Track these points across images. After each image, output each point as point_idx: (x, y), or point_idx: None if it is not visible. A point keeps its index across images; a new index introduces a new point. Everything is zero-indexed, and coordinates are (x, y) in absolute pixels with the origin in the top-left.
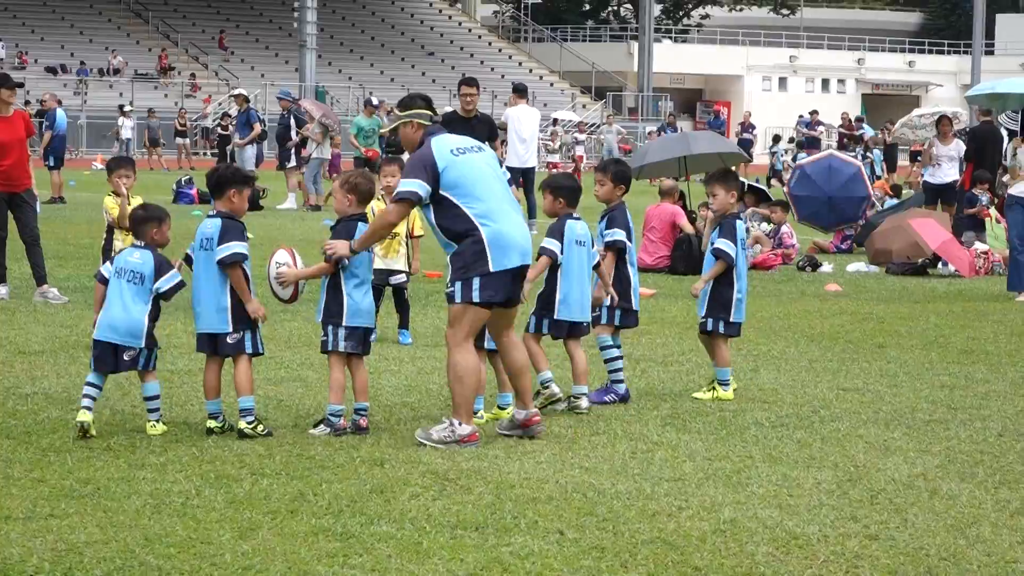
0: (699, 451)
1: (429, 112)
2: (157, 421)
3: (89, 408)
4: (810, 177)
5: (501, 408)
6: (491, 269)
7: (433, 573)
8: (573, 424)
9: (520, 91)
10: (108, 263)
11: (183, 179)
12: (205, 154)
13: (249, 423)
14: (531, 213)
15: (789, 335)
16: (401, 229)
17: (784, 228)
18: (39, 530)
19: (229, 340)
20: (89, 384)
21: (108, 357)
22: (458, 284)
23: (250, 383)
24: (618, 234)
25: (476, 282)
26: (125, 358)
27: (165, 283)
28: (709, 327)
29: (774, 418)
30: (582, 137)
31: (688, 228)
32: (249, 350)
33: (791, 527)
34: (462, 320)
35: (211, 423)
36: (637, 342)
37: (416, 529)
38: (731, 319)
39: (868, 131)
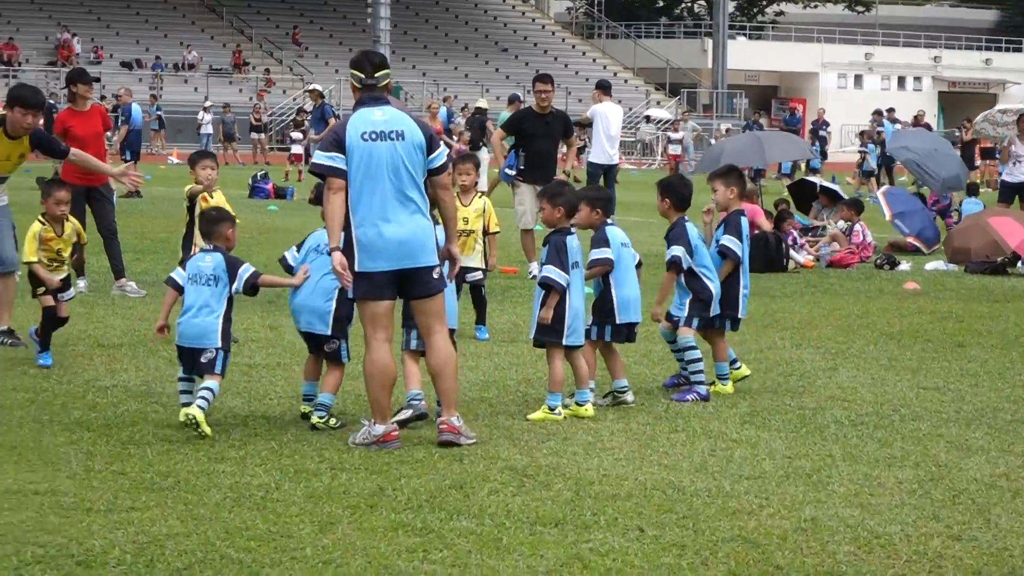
0: (779, 449)
1: (361, 76)
2: (201, 410)
3: (188, 403)
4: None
5: (579, 404)
6: (356, 269)
7: (513, 569)
8: (651, 422)
9: (605, 88)
10: (180, 267)
11: (258, 174)
12: (272, 149)
13: (321, 417)
14: (612, 210)
15: (868, 333)
16: (477, 226)
17: (856, 226)
18: (120, 522)
19: (327, 348)
20: (181, 379)
21: (188, 360)
22: None
23: (336, 386)
24: (676, 250)
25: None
26: (203, 360)
27: (242, 278)
28: (717, 324)
29: (854, 416)
30: (677, 136)
31: (766, 226)
32: (344, 360)
33: (873, 526)
34: (361, 315)
35: (303, 407)
36: None
37: (496, 525)
38: (738, 315)
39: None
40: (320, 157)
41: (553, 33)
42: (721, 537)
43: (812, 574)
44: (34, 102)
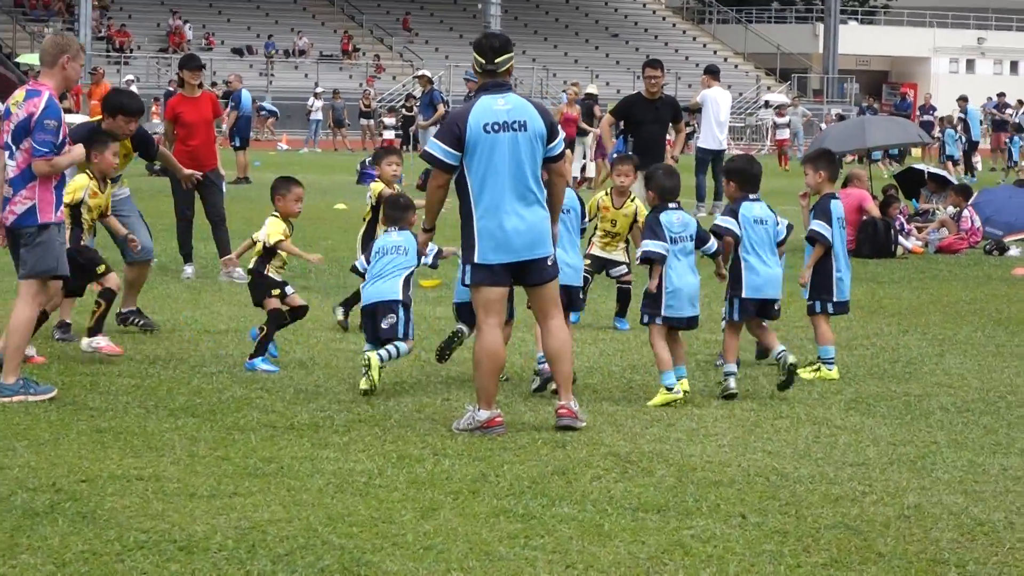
0: (883, 436)
1: (482, 61)
2: (380, 359)
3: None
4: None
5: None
6: (476, 260)
7: (615, 555)
8: (756, 408)
9: (713, 73)
10: (363, 256)
11: (367, 160)
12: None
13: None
14: (715, 195)
15: (976, 319)
16: (623, 229)
17: (965, 212)
18: (223, 508)
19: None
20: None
21: (370, 327)
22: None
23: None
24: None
25: (468, 267)
26: (384, 326)
27: (429, 256)
28: (817, 308)
29: (960, 403)
30: (783, 120)
31: (875, 211)
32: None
33: (976, 514)
34: (474, 300)
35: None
36: None
37: (597, 511)
38: (835, 299)
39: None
40: (433, 147)
41: (664, 19)
42: (823, 524)
43: (914, 561)
44: (135, 109)
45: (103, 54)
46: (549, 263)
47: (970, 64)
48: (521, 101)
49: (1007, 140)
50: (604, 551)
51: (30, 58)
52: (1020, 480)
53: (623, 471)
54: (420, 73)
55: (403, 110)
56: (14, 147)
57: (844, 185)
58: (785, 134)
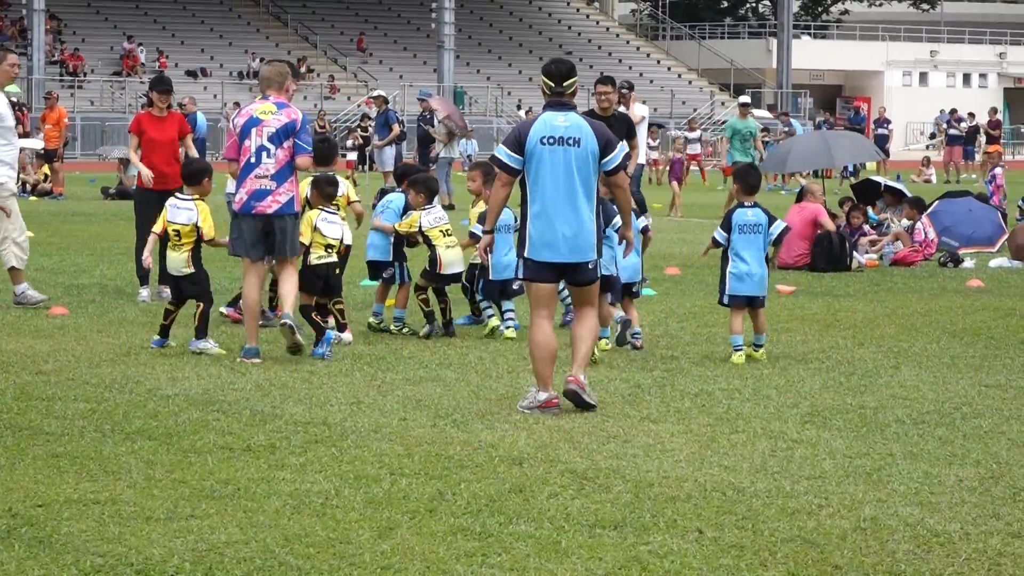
0: (839, 448)
1: (551, 84)
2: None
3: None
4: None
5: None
6: (526, 255)
7: (572, 572)
8: (712, 423)
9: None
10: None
11: None
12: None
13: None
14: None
15: (930, 331)
16: None
17: (919, 224)
18: (180, 530)
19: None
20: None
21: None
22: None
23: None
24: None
25: (520, 261)
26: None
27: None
28: (724, 301)
29: (915, 415)
30: (693, 135)
31: (829, 225)
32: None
33: (932, 525)
34: (528, 294)
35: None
36: (777, 339)
37: (555, 528)
38: (728, 293)
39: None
40: (501, 152)
41: (617, 35)
42: (780, 538)
43: (871, 574)
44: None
45: (56, 78)
46: (590, 267)
47: (923, 77)
48: (580, 121)
49: (963, 153)
50: (561, 568)
51: None
52: (975, 491)
53: (580, 488)
54: (376, 94)
55: (359, 130)
56: (272, 147)
57: (799, 200)
58: (696, 148)
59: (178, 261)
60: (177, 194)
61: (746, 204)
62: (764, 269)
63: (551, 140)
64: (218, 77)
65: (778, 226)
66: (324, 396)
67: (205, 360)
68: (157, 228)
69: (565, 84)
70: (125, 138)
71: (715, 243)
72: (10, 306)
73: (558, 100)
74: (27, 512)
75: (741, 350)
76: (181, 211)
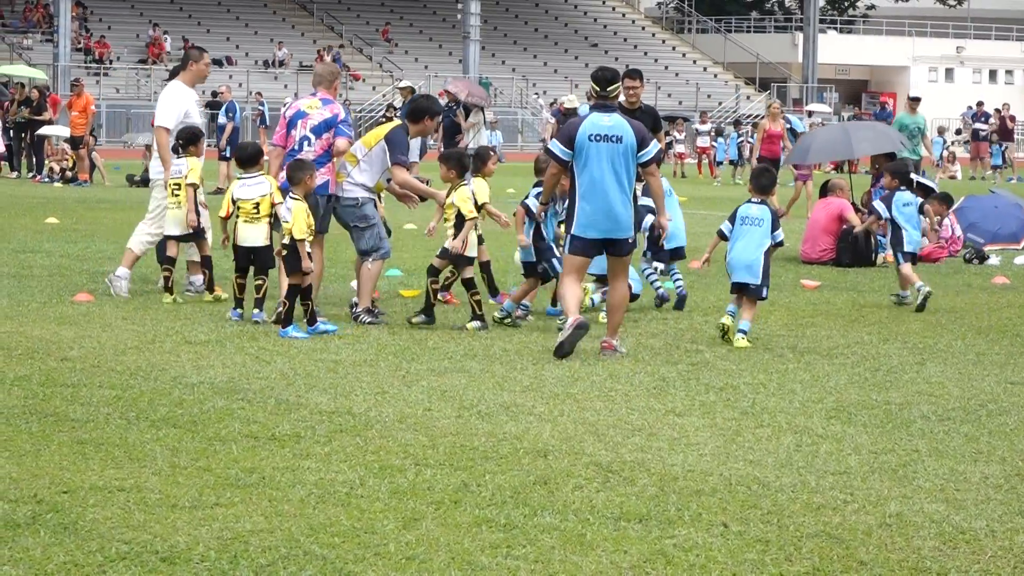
0: (864, 444)
1: (598, 89)
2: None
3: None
4: (971, 212)
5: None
6: (573, 232)
7: (596, 565)
8: (737, 417)
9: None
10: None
11: None
12: None
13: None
14: None
15: (956, 328)
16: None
17: (946, 221)
18: (205, 518)
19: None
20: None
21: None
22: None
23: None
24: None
25: (568, 237)
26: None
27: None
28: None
29: (940, 411)
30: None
31: (855, 221)
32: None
33: (958, 522)
34: (564, 261)
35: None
36: (802, 334)
37: (580, 521)
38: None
39: None
40: (554, 146)
41: (643, 28)
42: (805, 533)
43: (896, 570)
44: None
45: (82, 65)
46: (629, 241)
47: (949, 73)
48: (622, 120)
49: (989, 149)
50: (586, 560)
51: (10, 69)
52: (1001, 488)
53: (605, 480)
54: (403, 84)
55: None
56: (313, 137)
57: (824, 194)
58: (706, 142)
59: (255, 232)
60: (241, 175)
61: (754, 200)
62: (753, 259)
63: (598, 137)
64: (244, 66)
65: (777, 236)
66: (349, 386)
67: (230, 349)
68: (222, 212)
69: (609, 89)
70: (149, 126)
71: (721, 236)
72: (35, 293)
73: (603, 103)
74: (52, 498)
75: (733, 317)
76: (251, 188)
